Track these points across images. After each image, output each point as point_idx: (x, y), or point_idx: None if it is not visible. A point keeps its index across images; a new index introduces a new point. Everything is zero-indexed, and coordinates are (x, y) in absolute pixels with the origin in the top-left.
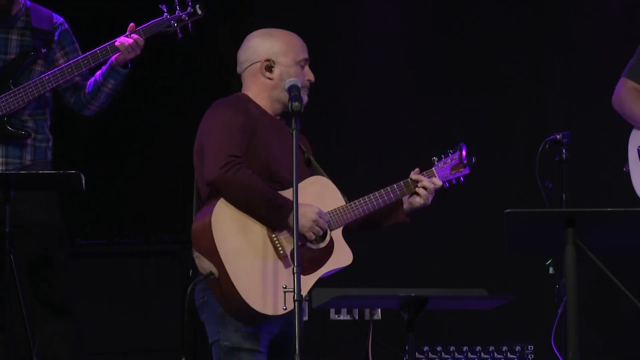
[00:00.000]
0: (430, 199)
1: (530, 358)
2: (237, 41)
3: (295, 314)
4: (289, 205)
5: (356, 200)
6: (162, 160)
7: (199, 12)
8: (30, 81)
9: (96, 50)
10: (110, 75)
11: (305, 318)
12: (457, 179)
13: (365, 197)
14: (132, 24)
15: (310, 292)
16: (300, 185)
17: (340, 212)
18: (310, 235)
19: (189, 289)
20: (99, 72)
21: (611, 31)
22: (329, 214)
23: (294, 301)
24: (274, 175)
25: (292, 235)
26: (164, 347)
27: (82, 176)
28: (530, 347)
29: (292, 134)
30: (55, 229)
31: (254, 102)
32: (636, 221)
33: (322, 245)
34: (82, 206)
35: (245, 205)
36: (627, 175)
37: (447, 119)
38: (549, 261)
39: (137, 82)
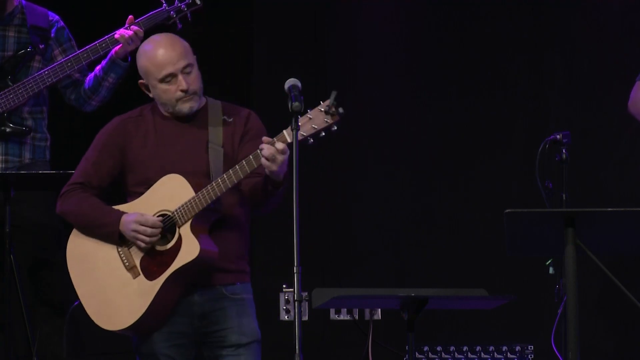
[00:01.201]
0: (274, 166)
1: (530, 358)
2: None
3: (295, 314)
4: (114, 220)
5: (203, 189)
6: None
7: (198, 2)
8: (30, 77)
9: (96, 44)
10: (110, 69)
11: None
12: (326, 130)
13: (214, 182)
14: (130, 16)
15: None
16: (152, 187)
17: (186, 207)
18: (139, 244)
19: (70, 310)
20: (98, 67)
21: (611, 31)
22: (177, 211)
23: (294, 301)
24: (148, 181)
25: (135, 246)
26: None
27: None
28: (530, 347)
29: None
30: (54, 229)
31: (158, 111)
32: (636, 221)
33: (170, 245)
34: None
35: (82, 229)
36: (633, 175)
37: (447, 119)
38: (549, 261)
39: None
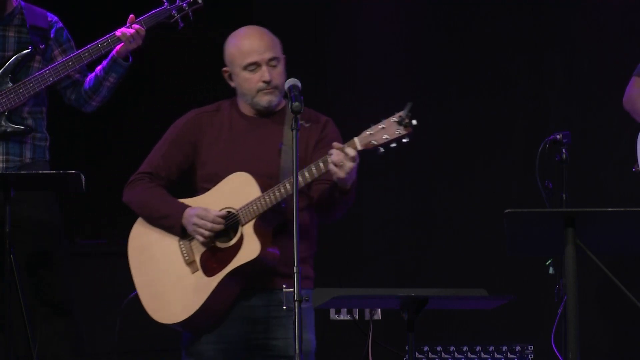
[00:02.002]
0: (342, 173)
1: (530, 358)
2: None
3: (295, 314)
4: (178, 212)
5: (269, 190)
6: None
7: (199, 1)
8: (31, 77)
9: (97, 43)
10: (112, 68)
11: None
12: (397, 141)
13: (280, 183)
14: (132, 15)
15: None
16: (220, 183)
17: (251, 206)
18: (198, 238)
19: (122, 305)
20: (99, 67)
21: (611, 31)
22: (242, 209)
23: (294, 301)
24: (218, 177)
25: (196, 240)
26: (164, 347)
27: (82, 176)
28: (530, 347)
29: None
30: (54, 229)
31: (236, 107)
32: (636, 221)
33: (232, 242)
34: (82, 206)
35: (145, 218)
36: (633, 175)
37: (447, 119)
38: (549, 261)
39: (137, 81)
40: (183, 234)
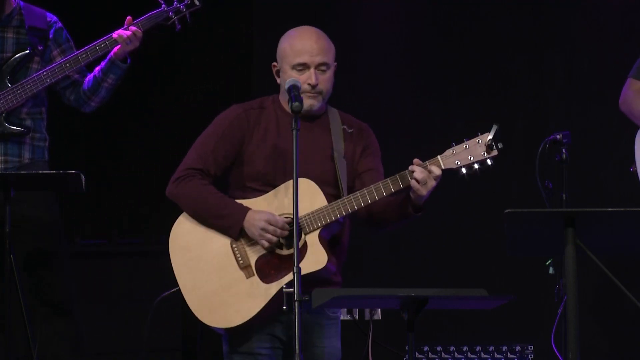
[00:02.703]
0: (424, 191)
1: (530, 358)
2: (237, 42)
3: (295, 314)
4: (239, 214)
5: (338, 201)
6: (162, 159)
7: (197, 3)
8: (29, 78)
9: (94, 45)
10: (110, 70)
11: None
12: (482, 162)
13: (351, 195)
14: (129, 17)
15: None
16: (277, 188)
17: (317, 215)
18: (263, 243)
19: (155, 302)
20: (97, 68)
21: (611, 31)
22: (306, 217)
23: (294, 301)
24: (268, 178)
25: (255, 244)
26: (164, 347)
27: (82, 176)
28: (530, 347)
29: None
30: (54, 229)
31: (279, 105)
32: (636, 221)
33: (293, 250)
34: (82, 206)
35: (197, 216)
36: (632, 175)
37: (447, 119)
38: (549, 261)
39: (136, 81)
40: (238, 236)
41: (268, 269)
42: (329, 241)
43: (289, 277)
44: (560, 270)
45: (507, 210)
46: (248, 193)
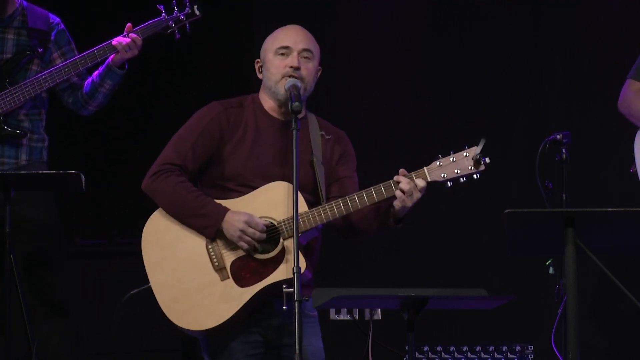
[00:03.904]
0: (409, 202)
1: (530, 358)
2: (237, 42)
3: (295, 314)
4: (218, 214)
5: (319, 207)
6: None
7: (197, 12)
8: (27, 80)
9: (93, 50)
10: (107, 75)
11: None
12: (468, 177)
13: (332, 202)
14: (129, 24)
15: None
16: (256, 191)
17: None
18: (242, 245)
19: (123, 299)
20: (96, 73)
21: (611, 31)
22: (285, 222)
23: (294, 301)
24: (244, 178)
25: (231, 246)
26: (164, 347)
27: (82, 176)
28: (530, 347)
29: (293, 134)
30: (53, 229)
31: (259, 104)
32: (636, 221)
33: (271, 254)
34: (82, 206)
35: (173, 214)
36: (632, 175)
37: (447, 119)
38: (549, 261)
39: (136, 81)
40: (215, 237)
41: (243, 272)
42: (305, 247)
43: (264, 282)
44: (560, 270)
45: (507, 210)
46: (222, 192)
